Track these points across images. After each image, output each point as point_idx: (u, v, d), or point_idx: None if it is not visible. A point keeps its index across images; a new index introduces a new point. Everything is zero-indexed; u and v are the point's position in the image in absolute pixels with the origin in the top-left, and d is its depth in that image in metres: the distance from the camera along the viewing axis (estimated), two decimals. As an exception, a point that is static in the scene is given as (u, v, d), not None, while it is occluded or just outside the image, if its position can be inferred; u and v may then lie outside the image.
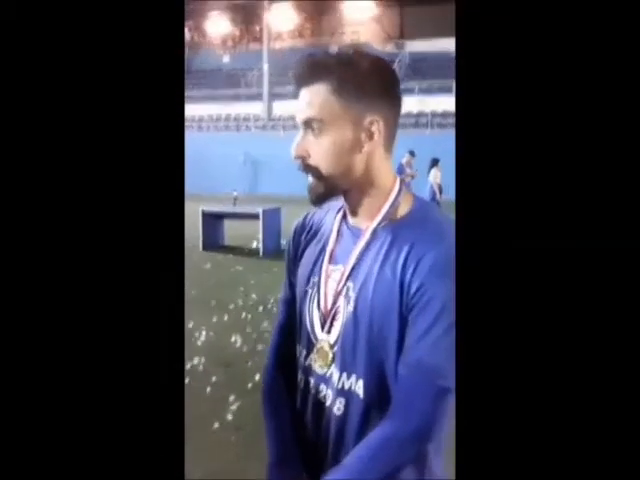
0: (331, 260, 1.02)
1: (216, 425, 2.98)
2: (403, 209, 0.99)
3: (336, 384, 1.00)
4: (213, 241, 8.16)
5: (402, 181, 1.02)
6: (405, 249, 0.94)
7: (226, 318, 4.94)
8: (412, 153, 9.83)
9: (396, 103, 0.98)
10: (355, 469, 0.92)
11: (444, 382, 0.89)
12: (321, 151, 0.95)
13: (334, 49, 0.96)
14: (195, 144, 18.41)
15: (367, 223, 0.99)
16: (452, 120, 15.56)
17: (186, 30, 24.48)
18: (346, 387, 0.99)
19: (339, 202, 1.04)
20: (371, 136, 0.95)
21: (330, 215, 1.08)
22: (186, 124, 20.25)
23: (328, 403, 1.01)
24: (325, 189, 0.97)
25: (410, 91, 18.27)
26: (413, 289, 0.91)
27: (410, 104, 17.49)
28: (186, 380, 3.54)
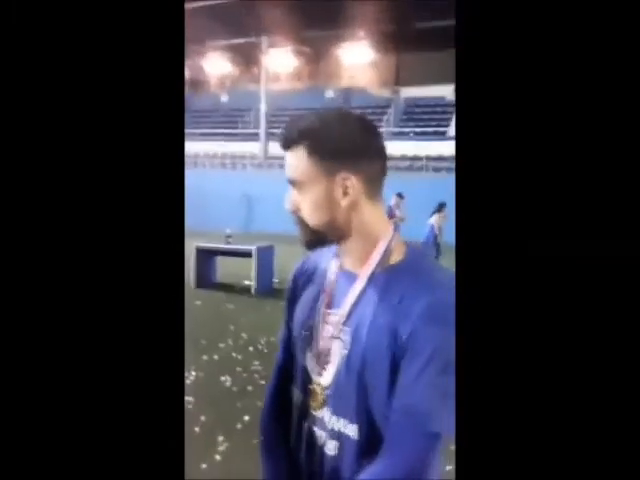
0: (328, 304, 1.06)
1: (204, 466, 2.92)
2: (396, 256, 1.03)
3: (329, 426, 1.03)
4: (206, 278, 8.12)
5: (396, 226, 1.06)
6: (398, 296, 0.97)
7: (216, 357, 4.89)
8: (400, 195, 9.88)
9: (375, 156, 1.02)
10: None
11: (433, 427, 0.92)
12: (305, 207, 1.02)
13: (317, 114, 1.02)
14: (191, 180, 18.50)
15: (361, 268, 1.03)
16: (447, 164, 15.75)
17: (186, 69, 24.91)
18: (337, 429, 1.02)
19: (333, 247, 1.08)
20: (345, 192, 0.99)
21: (326, 258, 1.12)
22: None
23: (321, 444, 1.04)
24: (314, 239, 1.04)
25: (405, 135, 18.55)
26: (405, 336, 0.94)
27: (405, 148, 17.73)
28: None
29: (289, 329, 1.15)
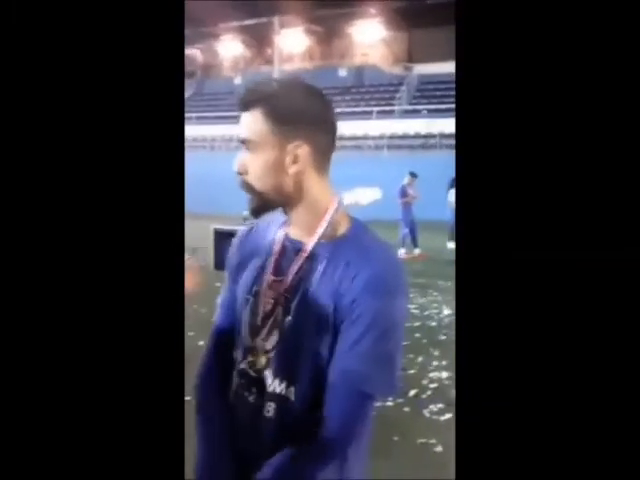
0: (274, 271, 1.09)
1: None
2: (341, 228, 1.06)
3: (269, 389, 1.06)
4: (225, 260, 8.16)
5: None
6: (341, 266, 1.01)
7: (236, 337, 4.96)
8: (413, 174, 9.71)
9: (328, 130, 1.05)
10: (280, 468, 0.99)
11: (367, 389, 0.98)
12: (254, 169, 1.04)
13: (270, 78, 1.06)
14: (208, 164, 18.54)
15: (307, 238, 1.06)
16: (461, 141, 15.53)
17: (198, 52, 24.81)
18: (277, 391, 1.05)
19: (281, 215, 1.11)
20: (295, 159, 1.02)
21: (274, 227, 1.14)
22: (199, 144, 20.51)
23: (259, 406, 1.07)
24: (260, 204, 1.06)
25: (418, 113, 18.36)
26: (345, 303, 0.99)
27: (418, 126, 17.55)
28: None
29: (232, 293, 1.17)
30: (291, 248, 1.09)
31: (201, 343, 4.70)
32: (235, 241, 1.23)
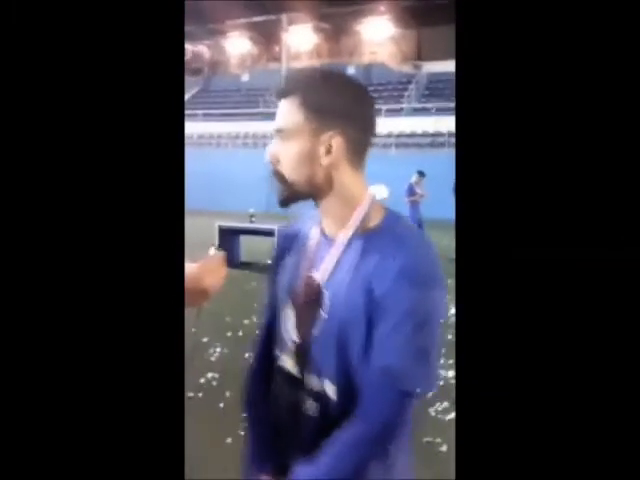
0: (308, 267, 1.08)
1: (229, 440, 3.00)
2: (374, 220, 1.04)
3: (309, 387, 1.05)
4: (229, 257, 8.16)
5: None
6: (375, 258, 0.99)
7: (240, 334, 4.97)
8: (421, 173, 9.73)
9: (365, 123, 1.04)
10: (322, 466, 0.97)
11: (405, 386, 0.95)
12: (286, 158, 1.03)
13: (311, 68, 1.05)
14: (214, 161, 18.63)
15: (340, 232, 1.05)
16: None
17: (206, 49, 24.84)
18: (317, 389, 1.04)
19: (317, 213, 1.10)
20: (329, 150, 1.01)
21: (309, 225, 1.14)
22: (205, 141, 20.58)
23: (302, 405, 1.06)
24: (289, 194, 1.05)
25: (426, 111, 18.33)
26: (379, 295, 0.96)
27: (427, 124, 17.52)
28: (199, 395, 3.57)
29: (273, 294, 1.18)
30: (325, 243, 1.08)
31: (205, 340, 4.69)
32: (275, 242, 1.23)
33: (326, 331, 1.02)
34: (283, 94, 1.03)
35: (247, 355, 4.38)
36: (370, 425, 0.97)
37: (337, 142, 1.01)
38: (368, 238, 1.02)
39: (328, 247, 1.06)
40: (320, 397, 1.04)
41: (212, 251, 1.09)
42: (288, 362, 1.10)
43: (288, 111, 1.02)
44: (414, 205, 9.36)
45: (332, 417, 1.02)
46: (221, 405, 3.45)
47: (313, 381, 1.05)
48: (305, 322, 1.06)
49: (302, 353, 1.07)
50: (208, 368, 3.99)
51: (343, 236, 1.04)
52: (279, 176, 1.05)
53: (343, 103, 1.01)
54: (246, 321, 5.34)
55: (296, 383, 1.08)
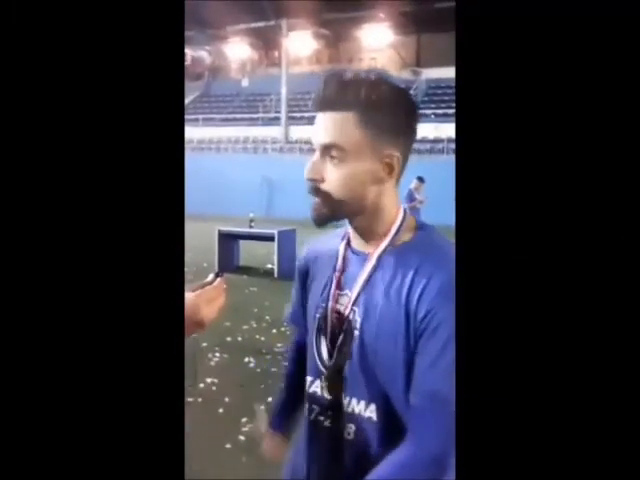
0: (338, 286, 1.03)
1: (228, 446, 2.99)
2: (407, 234, 1.00)
3: (346, 409, 1.00)
4: (229, 261, 8.19)
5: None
6: (410, 273, 0.94)
7: (240, 339, 4.96)
8: (421, 179, 9.75)
9: (413, 138, 0.99)
10: None
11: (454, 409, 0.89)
12: (338, 178, 0.95)
13: (359, 72, 0.95)
14: (214, 165, 18.63)
15: (372, 248, 1.00)
16: (468, 146, 15.52)
17: (206, 54, 24.88)
18: (355, 412, 0.99)
19: (342, 229, 1.06)
20: (391, 171, 0.96)
21: (335, 241, 1.08)
22: (205, 146, 20.60)
23: (337, 428, 1.01)
24: (331, 213, 0.97)
25: (426, 117, 18.35)
26: (420, 315, 0.91)
27: (426, 130, 17.53)
28: (199, 400, 3.55)
29: (304, 309, 1.12)
30: (355, 260, 1.02)
31: (204, 345, 4.69)
32: (300, 256, 1.18)
33: (360, 350, 0.97)
34: (331, 105, 0.94)
35: (246, 360, 4.38)
36: (424, 450, 0.91)
37: (398, 161, 0.96)
38: (401, 251, 0.97)
39: (359, 263, 1.01)
40: (358, 420, 0.98)
41: (211, 277, 1.03)
42: (320, 387, 1.04)
43: (345, 128, 0.93)
44: (414, 211, 9.36)
45: (371, 441, 0.97)
46: (220, 410, 3.44)
47: (351, 404, 0.99)
48: (338, 342, 1.00)
49: (335, 375, 1.01)
50: (207, 373, 3.98)
51: (375, 252, 0.99)
52: (323, 195, 0.96)
53: (401, 119, 0.95)
54: (245, 326, 5.33)
55: (330, 408, 1.02)
